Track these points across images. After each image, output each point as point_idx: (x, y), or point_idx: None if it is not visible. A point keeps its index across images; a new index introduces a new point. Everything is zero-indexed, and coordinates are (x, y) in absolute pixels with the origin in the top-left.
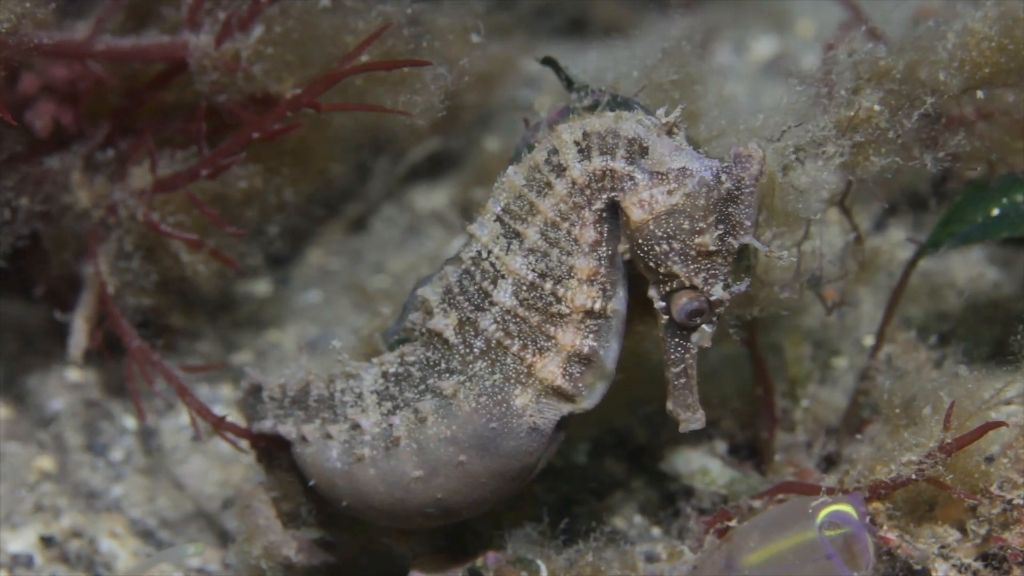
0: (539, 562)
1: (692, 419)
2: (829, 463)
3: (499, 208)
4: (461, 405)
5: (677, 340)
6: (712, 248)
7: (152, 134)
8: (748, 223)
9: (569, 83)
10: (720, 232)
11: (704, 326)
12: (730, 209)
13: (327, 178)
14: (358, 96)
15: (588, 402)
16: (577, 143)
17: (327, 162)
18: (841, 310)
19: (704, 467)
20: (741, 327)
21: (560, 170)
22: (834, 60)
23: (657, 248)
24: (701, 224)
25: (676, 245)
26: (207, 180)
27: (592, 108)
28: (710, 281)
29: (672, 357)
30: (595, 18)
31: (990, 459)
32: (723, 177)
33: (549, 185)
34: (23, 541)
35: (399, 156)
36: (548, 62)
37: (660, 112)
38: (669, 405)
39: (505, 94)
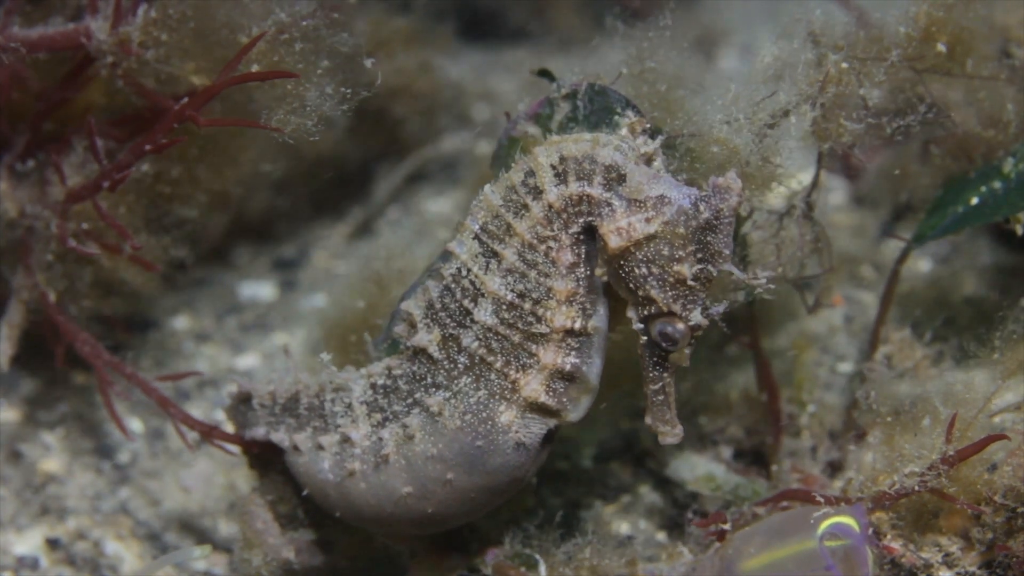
0: (537, 556)
1: (671, 434)
2: (834, 468)
3: (477, 226)
4: (447, 423)
5: (656, 360)
6: (690, 276)
7: (78, 137)
8: (727, 251)
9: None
10: (699, 260)
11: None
12: (709, 238)
13: (260, 173)
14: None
15: (574, 415)
16: (554, 167)
17: (255, 158)
18: (847, 314)
19: (709, 473)
20: (745, 331)
21: (537, 193)
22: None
23: (635, 274)
24: (680, 253)
25: (655, 272)
26: (109, 191)
27: (570, 96)
28: (688, 307)
29: (651, 375)
30: (551, 27)
31: (993, 468)
32: (702, 206)
33: (526, 207)
34: (29, 543)
35: (399, 162)
36: (543, 74)
37: (640, 141)
38: (648, 420)
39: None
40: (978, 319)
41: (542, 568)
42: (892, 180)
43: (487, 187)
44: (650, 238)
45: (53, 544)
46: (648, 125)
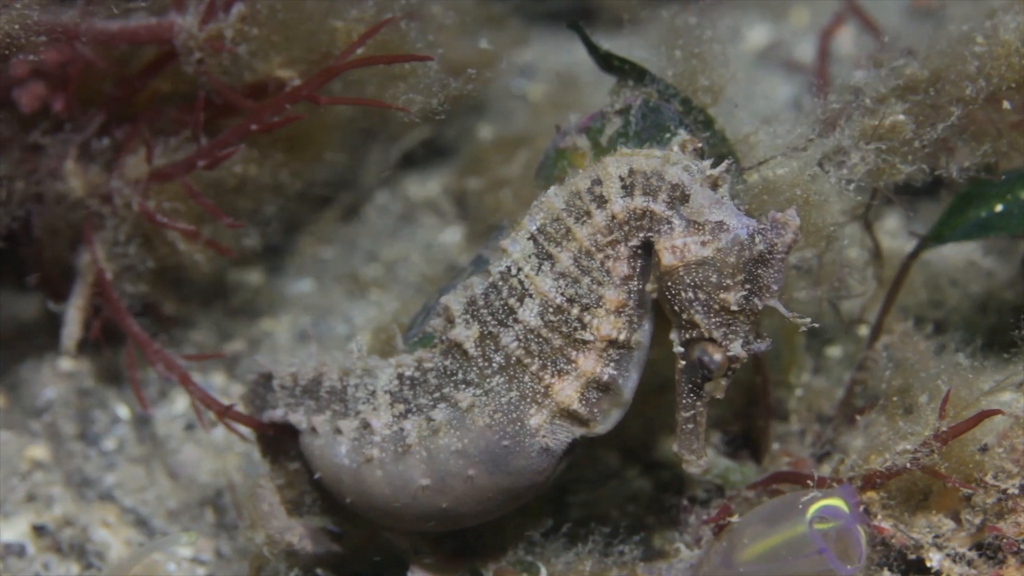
0: (539, 564)
1: (695, 463)
2: (824, 452)
3: (535, 227)
4: (475, 420)
5: (691, 387)
6: (735, 306)
7: (148, 123)
8: (775, 287)
9: (596, 52)
10: (746, 292)
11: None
12: (759, 271)
13: (324, 164)
14: (357, 86)
15: (602, 427)
16: (622, 178)
17: (324, 148)
18: (834, 296)
19: None
20: None
21: (602, 201)
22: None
23: (682, 295)
24: (728, 281)
25: (701, 296)
26: (204, 171)
27: (623, 112)
28: (730, 336)
29: (684, 402)
30: (603, 7)
31: (984, 448)
32: (757, 239)
33: (589, 214)
34: (15, 530)
35: (392, 143)
36: (574, 27)
37: (706, 163)
38: (675, 447)
39: (497, 83)
40: (968, 305)
41: (543, 575)
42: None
43: (552, 189)
44: (702, 262)
45: (40, 531)
46: (700, 145)
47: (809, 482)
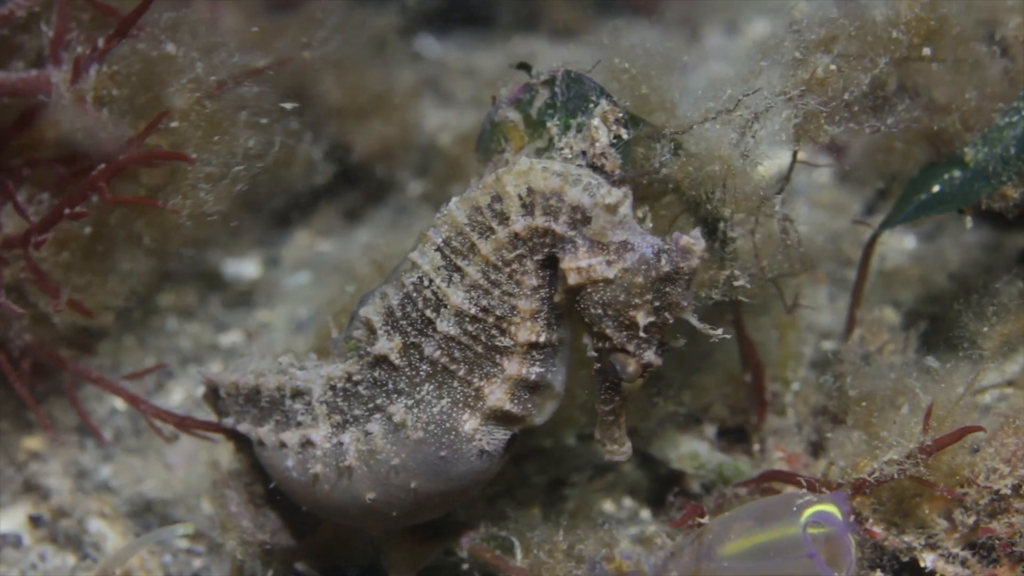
0: (513, 538)
1: (617, 452)
2: (817, 447)
3: (440, 239)
4: (410, 433)
5: (608, 384)
6: (644, 324)
7: (21, 170)
8: (684, 303)
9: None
10: (655, 309)
11: None
12: (667, 288)
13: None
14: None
15: (539, 419)
16: (521, 198)
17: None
18: (831, 292)
19: (693, 451)
20: (728, 309)
21: (503, 219)
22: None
23: (592, 311)
24: (636, 300)
25: (610, 312)
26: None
27: (549, 83)
28: (642, 347)
29: (603, 397)
30: (546, 20)
31: (976, 450)
32: (663, 259)
33: (491, 230)
34: (11, 521)
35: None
36: (522, 66)
37: (604, 191)
38: (597, 434)
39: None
40: (962, 297)
41: (517, 551)
42: (877, 158)
43: (453, 201)
44: (608, 282)
45: (36, 521)
46: (621, 114)
47: (801, 482)
